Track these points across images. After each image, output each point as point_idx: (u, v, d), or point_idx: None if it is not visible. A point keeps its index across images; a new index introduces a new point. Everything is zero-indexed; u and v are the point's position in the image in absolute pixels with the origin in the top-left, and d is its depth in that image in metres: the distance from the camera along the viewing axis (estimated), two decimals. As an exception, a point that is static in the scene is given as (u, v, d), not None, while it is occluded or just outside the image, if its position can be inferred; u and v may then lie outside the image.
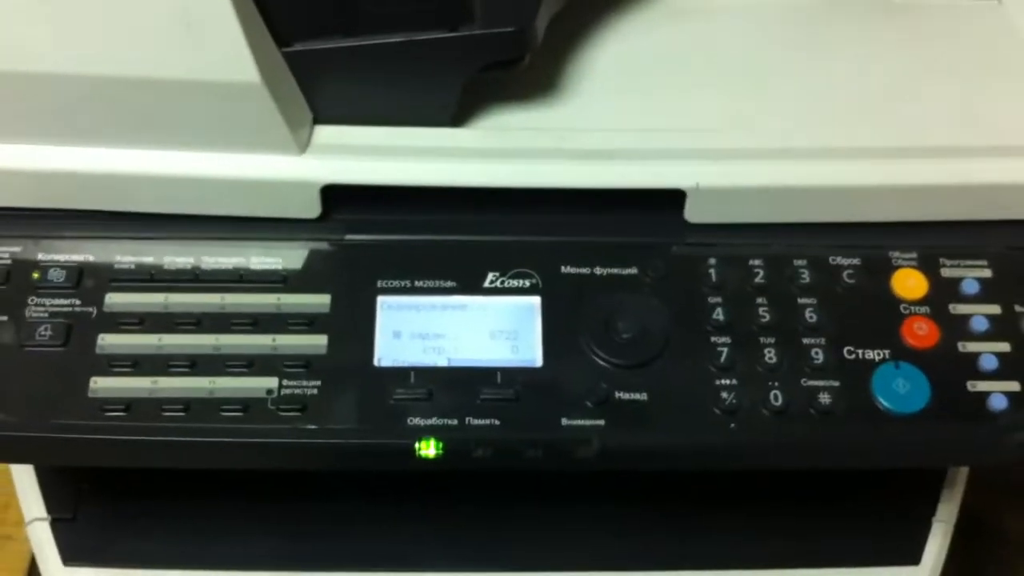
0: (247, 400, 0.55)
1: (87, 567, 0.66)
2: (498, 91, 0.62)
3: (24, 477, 0.67)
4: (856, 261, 0.60)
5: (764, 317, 0.58)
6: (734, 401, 0.56)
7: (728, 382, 0.56)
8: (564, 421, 0.55)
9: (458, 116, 0.60)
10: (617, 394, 0.56)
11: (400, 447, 0.55)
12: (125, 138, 0.57)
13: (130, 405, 0.55)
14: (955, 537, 0.75)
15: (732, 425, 0.55)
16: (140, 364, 0.56)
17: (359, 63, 0.57)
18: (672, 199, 0.59)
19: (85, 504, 0.68)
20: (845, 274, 0.60)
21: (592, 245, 0.60)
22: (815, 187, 0.59)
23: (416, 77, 0.58)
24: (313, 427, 0.55)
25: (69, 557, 0.66)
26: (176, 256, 0.59)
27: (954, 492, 0.69)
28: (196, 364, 0.56)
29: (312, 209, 0.59)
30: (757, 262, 0.59)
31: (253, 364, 0.56)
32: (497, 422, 0.55)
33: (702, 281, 0.59)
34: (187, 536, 0.67)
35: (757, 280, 0.59)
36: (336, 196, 0.59)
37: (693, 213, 0.60)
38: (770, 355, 0.57)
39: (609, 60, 0.65)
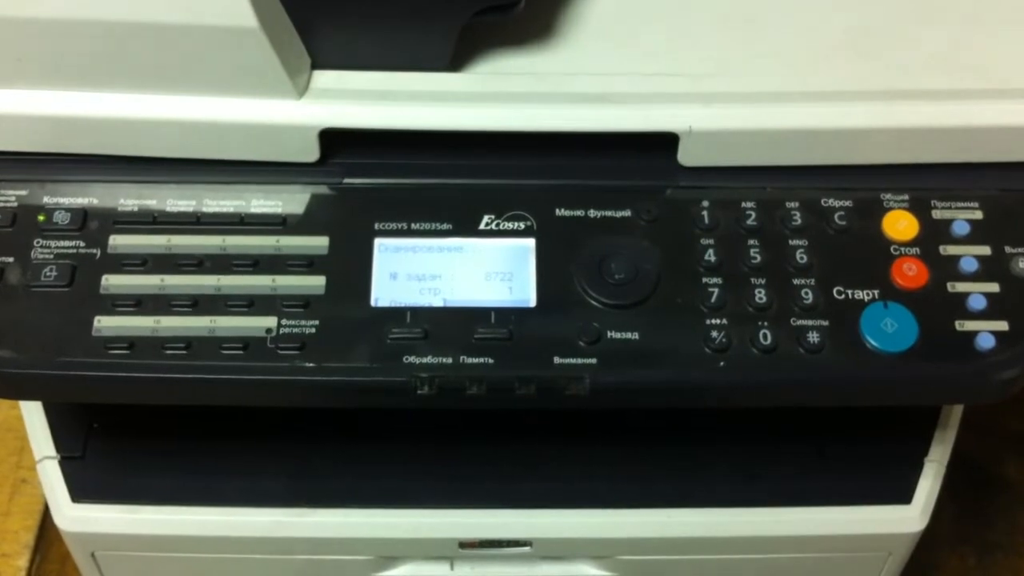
0: (247, 339, 0.56)
1: (96, 504, 0.68)
2: (494, 36, 0.62)
3: (34, 416, 0.69)
4: (848, 203, 0.60)
5: (755, 258, 0.58)
6: (724, 340, 0.56)
7: (718, 321, 0.57)
8: (557, 360, 0.55)
9: (455, 61, 0.60)
10: (609, 333, 0.56)
11: (396, 385, 0.55)
12: (127, 83, 0.58)
13: (133, 343, 0.56)
14: (957, 484, 0.76)
15: (721, 363, 0.56)
16: (143, 304, 0.57)
17: (356, 7, 0.58)
18: (665, 143, 0.60)
19: (94, 443, 0.69)
20: (836, 216, 0.60)
21: (586, 188, 0.60)
22: (807, 129, 0.59)
23: (413, 21, 0.59)
24: (311, 365, 0.55)
25: (78, 495, 0.68)
26: (178, 199, 0.60)
27: (947, 432, 0.70)
28: (197, 304, 0.57)
29: (311, 153, 0.60)
30: (749, 204, 0.60)
31: (253, 304, 0.57)
32: (491, 361, 0.55)
33: (694, 223, 0.59)
34: (195, 474, 0.68)
35: (749, 222, 0.59)
36: (334, 140, 0.60)
37: (686, 156, 0.60)
38: (760, 295, 0.57)
39: (605, 5, 0.65)
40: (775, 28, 0.63)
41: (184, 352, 0.56)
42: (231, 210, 0.59)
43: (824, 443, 0.70)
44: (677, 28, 0.63)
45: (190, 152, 0.60)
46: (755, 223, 0.59)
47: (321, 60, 0.60)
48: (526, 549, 0.69)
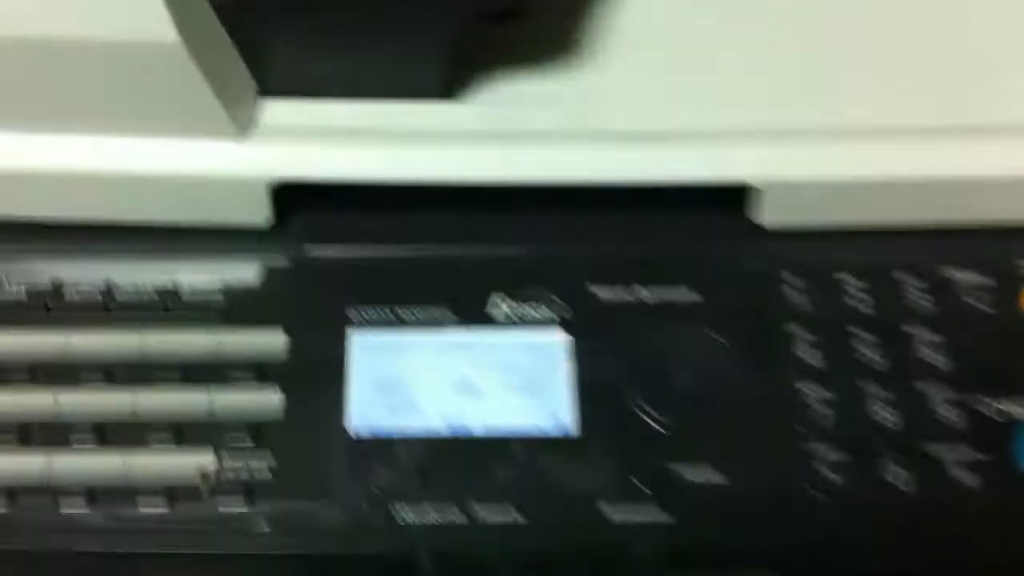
0: (174, 486, 0.43)
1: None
2: (503, 55, 0.51)
3: None
4: (981, 277, 0.48)
5: (864, 354, 0.46)
6: (837, 478, 0.43)
7: (827, 450, 0.44)
8: (614, 516, 0.43)
9: (452, 87, 0.49)
10: (684, 474, 0.43)
11: (385, 557, 0.43)
12: (9, 118, 0.46)
13: (13, 493, 0.43)
14: None
15: (836, 510, 0.43)
16: (29, 434, 0.44)
17: (317, 16, 0.46)
18: (735, 196, 0.48)
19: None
20: (967, 294, 0.47)
21: (632, 259, 0.48)
22: (926, 179, 0.47)
23: (392, 33, 0.47)
24: (264, 530, 0.43)
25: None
26: (80, 279, 0.47)
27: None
28: (105, 434, 0.44)
29: (260, 213, 0.48)
30: (852, 280, 0.47)
31: (182, 433, 0.44)
32: (519, 519, 0.43)
33: (779, 306, 0.47)
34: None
35: (851, 304, 0.47)
36: (292, 196, 0.48)
37: (764, 214, 0.48)
38: (879, 410, 0.45)
39: (641, 14, 0.53)
40: (865, 40, 0.51)
41: (85, 510, 0.43)
42: (152, 294, 0.47)
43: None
44: (736, 41, 0.52)
45: (96, 212, 0.48)
46: (864, 306, 0.47)
47: (272, 85, 0.49)
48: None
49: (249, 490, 0.43)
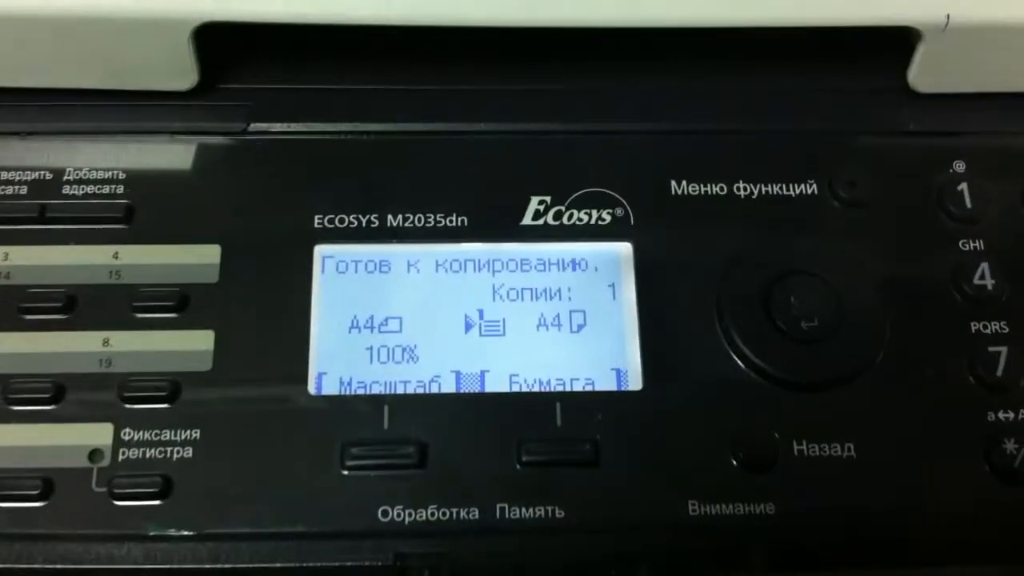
0: (50, 472, 0.32)
1: None
2: None
3: None
4: None
5: None
6: None
7: (1007, 416, 0.33)
8: (692, 507, 0.32)
9: None
10: (796, 446, 0.33)
11: (362, 573, 0.32)
12: None
13: None
14: None
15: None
16: None
17: None
18: (888, 50, 0.38)
19: None
20: None
21: (729, 139, 0.38)
22: None
23: None
24: (184, 534, 0.32)
25: None
26: None
27: None
28: None
29: (180, 72, 0.38)
30: None
31: (64, 394, 0.34)
32: (559, 512, 0.32)
33: (944, 206, 0.36)
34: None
35: None
36: (228, 48, 0.39)
37: (927, 75, 0.38)
38: None
39: None
40: None
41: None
42: (20, 190, 0.36)
43: None
44: None
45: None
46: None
47: None
48: None
49: (162, 477, 0.32)
